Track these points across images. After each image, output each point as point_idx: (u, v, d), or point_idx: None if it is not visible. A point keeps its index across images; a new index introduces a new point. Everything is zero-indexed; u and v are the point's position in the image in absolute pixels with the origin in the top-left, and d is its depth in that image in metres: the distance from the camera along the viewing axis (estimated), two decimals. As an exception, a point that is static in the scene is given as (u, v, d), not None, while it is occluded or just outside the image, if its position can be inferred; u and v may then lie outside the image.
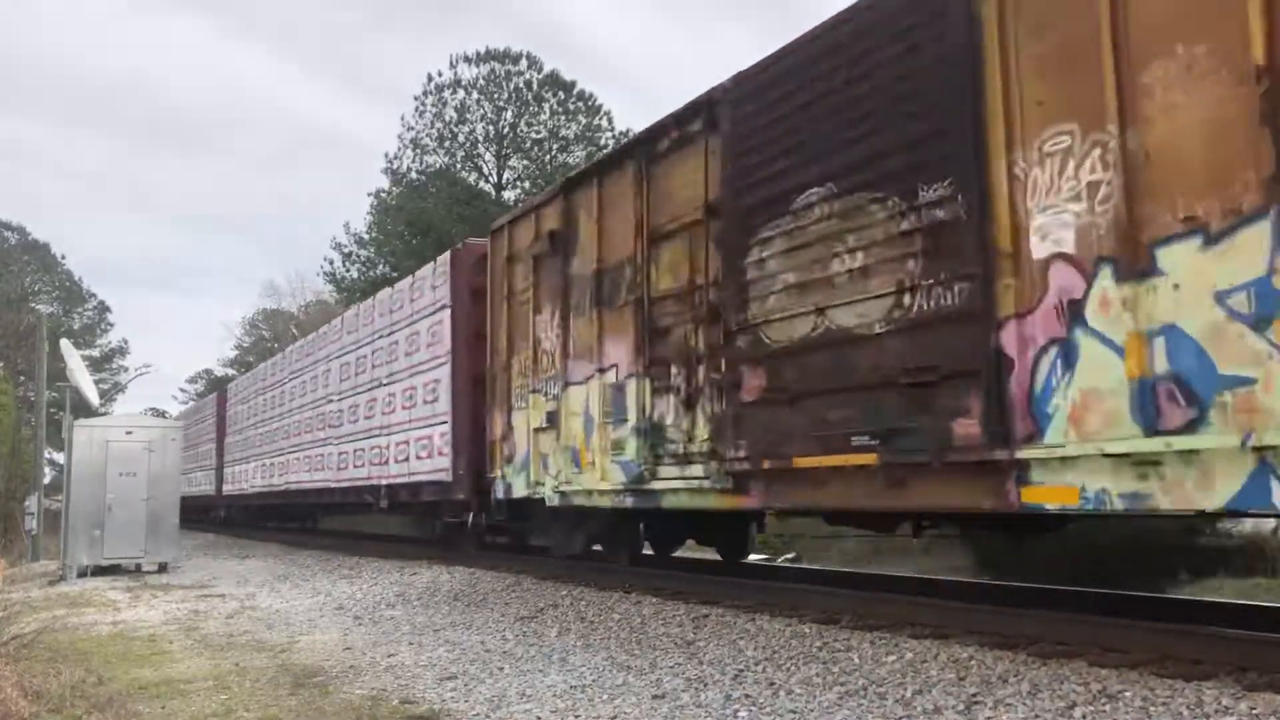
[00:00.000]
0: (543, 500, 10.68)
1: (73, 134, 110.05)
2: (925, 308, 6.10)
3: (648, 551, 12.13)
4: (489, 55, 35.04)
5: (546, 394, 10.65)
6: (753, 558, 14.54)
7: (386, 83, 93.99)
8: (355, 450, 16.97)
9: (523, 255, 11.48)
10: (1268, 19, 4.50)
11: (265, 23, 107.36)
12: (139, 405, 65.82)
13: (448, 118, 35.06)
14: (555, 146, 35.05)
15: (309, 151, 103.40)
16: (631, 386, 9.03)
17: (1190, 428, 4.75)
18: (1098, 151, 5.20)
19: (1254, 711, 4.56)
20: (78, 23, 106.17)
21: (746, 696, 5.56)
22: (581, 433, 9.89)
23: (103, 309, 63.82)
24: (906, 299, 6.23)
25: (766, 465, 7.42)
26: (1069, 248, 5.32)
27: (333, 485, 18.06)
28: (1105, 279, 5.13)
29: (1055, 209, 5.40)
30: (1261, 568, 10.18)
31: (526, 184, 35.16)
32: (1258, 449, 4.48)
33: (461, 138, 35.17)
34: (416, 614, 9.76)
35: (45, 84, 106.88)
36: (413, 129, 35.51)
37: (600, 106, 35.35)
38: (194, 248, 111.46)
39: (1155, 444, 4.85)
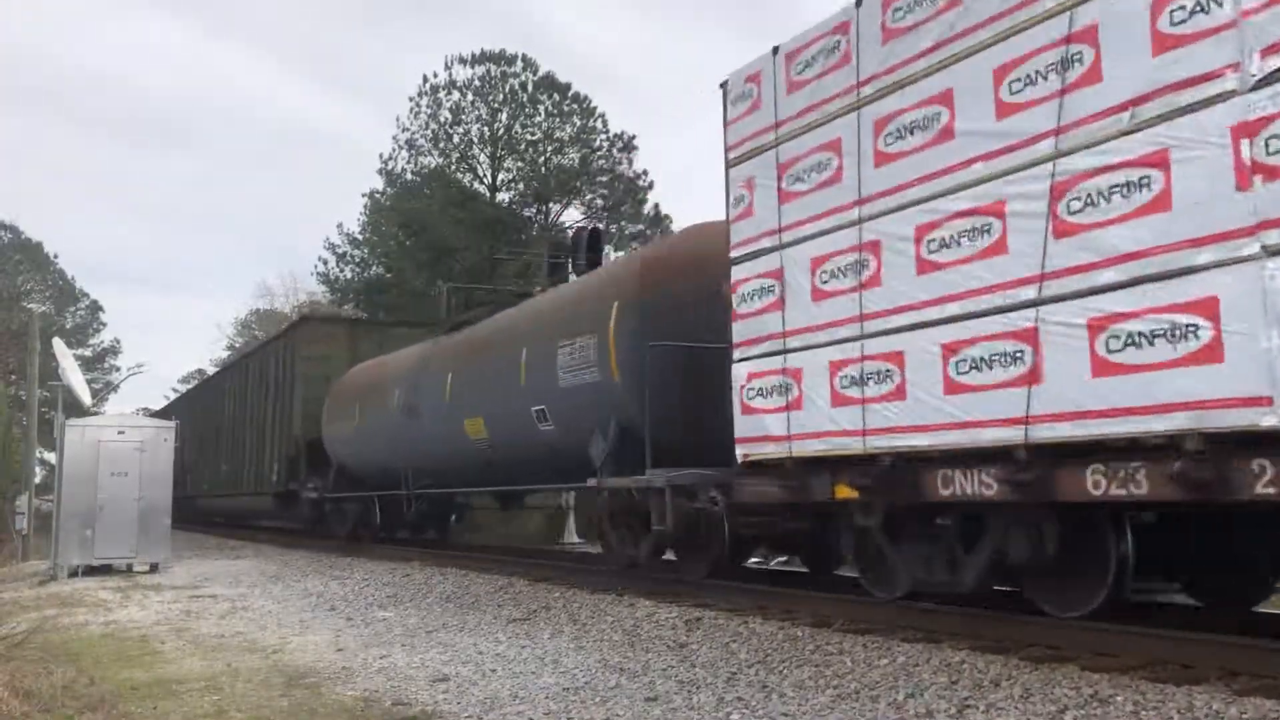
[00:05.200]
0: None
1: (66, 132, 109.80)
2: None
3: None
4: (484, 57, 35.00)
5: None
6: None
7: (376, 84, 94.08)
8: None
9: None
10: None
11: (250, 23, 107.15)
12: (131, 405, 65.56)
13: (442, 119, 35.00)
14: (550, 148, 35.03)
15: (301, 152, 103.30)
16: None
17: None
18: None
19: (1244, 716, 4.58)
20: (64, 20, 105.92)
21: (739, 699, 5.56)
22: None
23: (95, 308, 63.61)
24: None
25: None
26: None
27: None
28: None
29: None
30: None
31: (521, 185, 35.15)
32: None
33: (456, 139, 35.12)
34: (409, 615, 9.75)
35: (36, 82, 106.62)
36: (407, 130, 35.45)
37: (595, 109, 35.36)
38: (187, 248, 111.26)
39: None
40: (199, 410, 32.75)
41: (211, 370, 49.65)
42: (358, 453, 18.42)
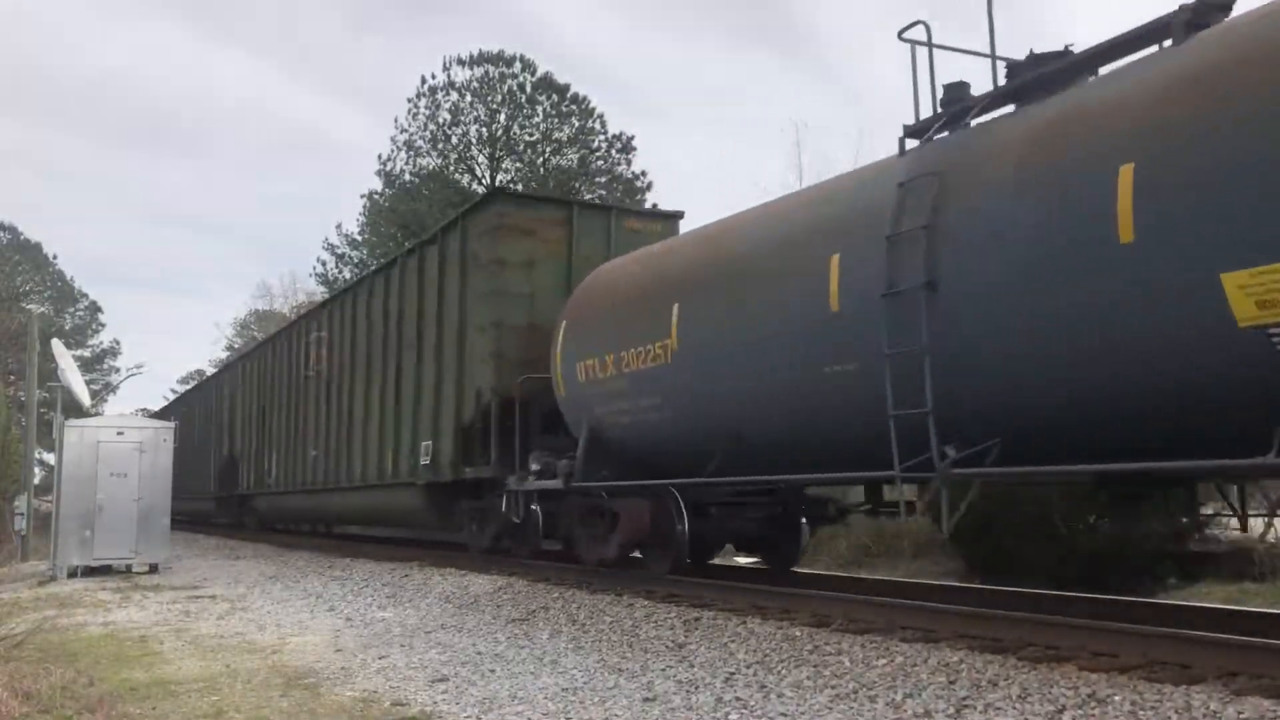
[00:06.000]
0: None
1: (65, 134, 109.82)
2: None
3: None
4: (482, 58, 35.08)
5: None
6: (742, 560, 14.33)
7: (375, 86, 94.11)
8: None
9: None
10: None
11: (250, 26, 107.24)
12: (130, 406, 65.65)
13: (441, 120, 35.09)
14: (548, 149, 35.09)
15: (299, 153, 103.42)
16: None
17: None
18: None
19: (1242, 716, 4.59)
20: (66, 23, 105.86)
21: (738, 699, 5.57)
22: None
23: (94, 309, 63.66)
24: None
25: None
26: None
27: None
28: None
29: None
30: (1249, 572, 10.23)
31: (519, 187, 35.20)
32: None
33: (455, 140, 35.21)
34: (408, 616, 9.75)
35: (34, 85, 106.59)
36: (406, 131, 35.54)
37: (594, 109, 35.43)
38: (186, 248, 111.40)
39: None
40: (253, 381, 25.10)
41: (211, 370, 49.41)
42: (671, 405, 9.50)
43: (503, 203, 13.34)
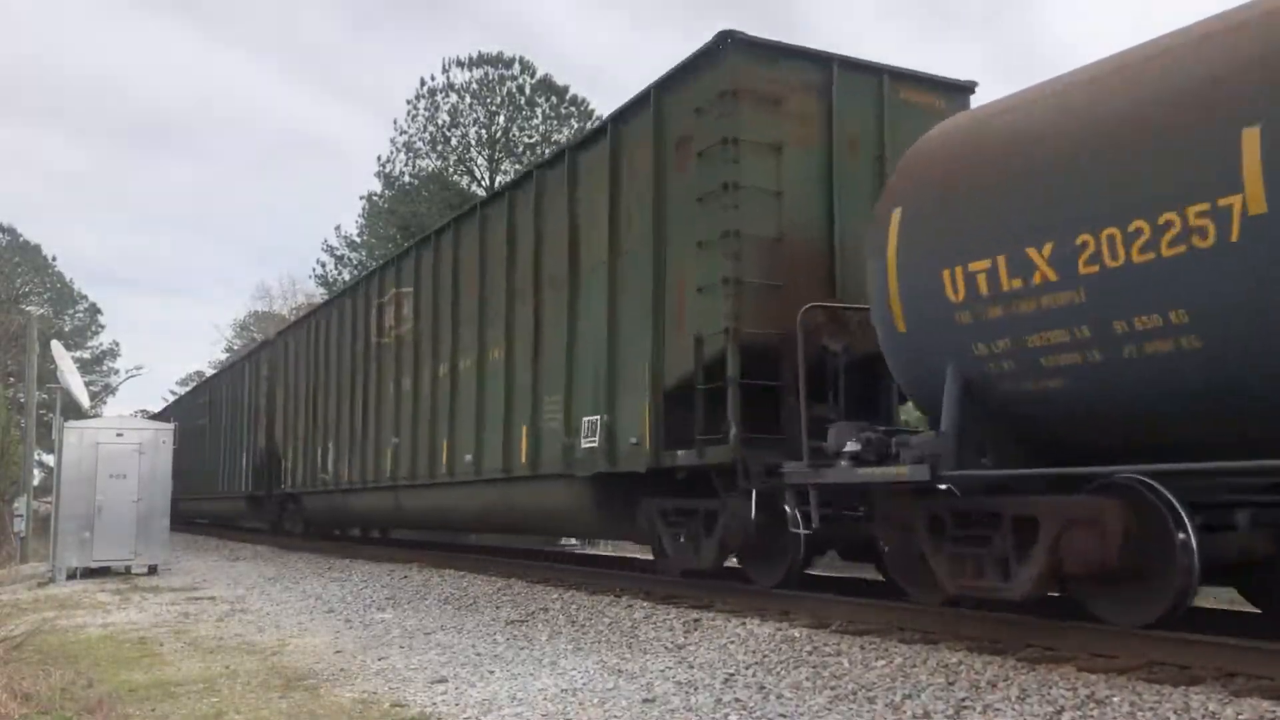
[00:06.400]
0: None
1: (65, 136, 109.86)
2: None
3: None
4: (481, 60, 35.10)
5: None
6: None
7: (375, 88, 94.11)
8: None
9: None
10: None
11: (249, 29, 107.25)
12: (130, 407, 65.59)
13: (440, 121, 35.10)
14: (548, 151, 35.09)
15: (299, 153, 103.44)
16: None
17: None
18: None
19: (1241, 717, 4.59)
20: (65, 26, 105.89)
21: (737, 700, 5.57)
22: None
23: (94, 311, 63.62)
24: None
25: None
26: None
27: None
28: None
29: None
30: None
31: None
32: None
33: (454, 141, 35.22)
34: (407, 617, 9.75)
35: (36, 86, 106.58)
36: (405, 132, 35.55)
37: (593, 111, 35.40)
38: (186, 249, 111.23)
39: None
40: (300, 360, 21.35)
41: (210, 371, 49.23)
42: (1224, 324, 5.03)
43: (737, 53, 8.83)
